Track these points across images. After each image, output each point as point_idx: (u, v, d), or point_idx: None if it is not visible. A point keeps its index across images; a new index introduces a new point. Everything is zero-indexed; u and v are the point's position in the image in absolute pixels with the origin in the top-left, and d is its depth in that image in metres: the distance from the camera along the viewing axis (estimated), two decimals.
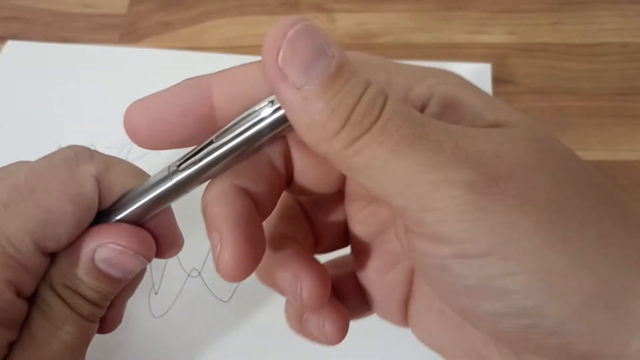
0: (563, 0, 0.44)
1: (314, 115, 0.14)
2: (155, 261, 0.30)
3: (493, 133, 0.15)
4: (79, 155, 0.19)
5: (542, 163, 0.15)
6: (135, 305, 0.29)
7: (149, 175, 0.20)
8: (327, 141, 0.14)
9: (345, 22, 0.42)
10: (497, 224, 0.14)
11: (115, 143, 0.36)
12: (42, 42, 0.41)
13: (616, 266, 0.14)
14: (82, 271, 0.19)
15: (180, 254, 0.29)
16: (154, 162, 0.34)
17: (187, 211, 0.32)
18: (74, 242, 0.19)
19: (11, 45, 0.41)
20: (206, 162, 0.16)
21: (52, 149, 0.34)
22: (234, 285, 0.30)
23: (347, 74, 0.14)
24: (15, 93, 0.38)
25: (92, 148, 0.28)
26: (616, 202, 0.15)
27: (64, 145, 0.34)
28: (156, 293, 0.29)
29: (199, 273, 0.30)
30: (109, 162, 0.20)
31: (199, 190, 0.29)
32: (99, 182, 0.19)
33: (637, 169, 0.34)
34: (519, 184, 0.14)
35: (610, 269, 0.14)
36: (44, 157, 0.19)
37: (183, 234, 0.28)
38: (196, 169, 0.17)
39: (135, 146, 0.34)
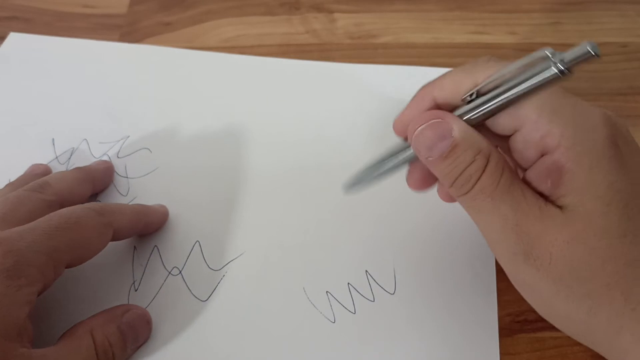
0: (563, 0, 0.44)
1: (436, 173, 0.24)
2: (138, 257, 0.30)
3: (546, 223, 0.21)
4: (104, 213, 0.27)
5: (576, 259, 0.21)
6: (114, 300, 0.29)
7: (145, 211, 0.31)
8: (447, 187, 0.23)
9: (345, 22, 0.42)
10: (517, 279, 0.23)
11: (108, 139, 0.35)
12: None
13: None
14: (114, 325, 0.26)
15: (162, 252, 0.31)
16: (145, 157, 0.35)
17: (183, 210, 0.32)
18: (110, 309, 0.27)
19: (13, 37, 0.41)
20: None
21: (46, 143, 0.35)
22: (212, 284, 0.30)
23: (458, 152, 0.22)
24: (11, 85, 0.38)
25: (85, 143, 0.35)
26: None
27: (57, 139, 0.36)
28: (136, 290, 0.29)
29: (180, 272, 0.30)
30: (120, 211, 0.28)
31: (178, 196, 0.33)
32: (113, 227, 0.27)
33: None
34: (545, 260, 0.21)
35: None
36: (82, 210, 0.27)
37: (168, 234, 0.32)
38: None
39: (128, 142, 0.36)
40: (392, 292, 0.29)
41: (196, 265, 0.30)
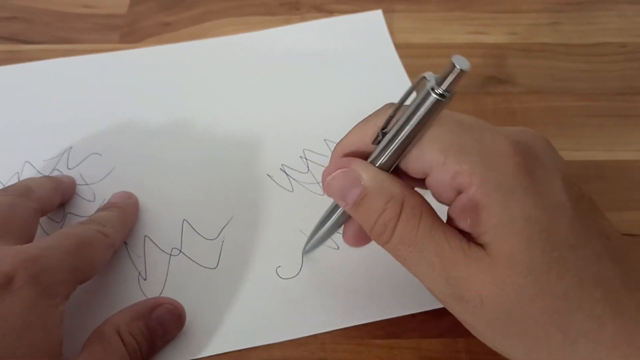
0: (563, 0, 0.44)
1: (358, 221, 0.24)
2: (133, 251, 0.31)
3: (472, 267, 0.21)
4: (108, 234, 0.28)
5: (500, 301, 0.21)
6: (128, 295, 0.29)
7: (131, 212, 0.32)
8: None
9: None
10: (458, 318, 0.23)
11: (50, 154, 0.35)
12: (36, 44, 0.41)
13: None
14: (142, 322, 0.26)
15: (154, 237, 0.31)
16: (97, 161, 0.35)
17: (157, 197, 0.33)
18: (139, 303, 0.27)
19: None
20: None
21: None
22: (216, 252, 0.31)
23: (369, 200, 0.22)
24: None
25: (29, 165, 0.35)
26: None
27: None
28: (145, 279, 0.30)
29: (180, 250, 0.31)
30: (115, 228, 0.29)
31: (146, 187, 0.34)
32: (115, 247, 0.29)
33: (637, 169, 0.34)
34: (476, 304, 0.21)
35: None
36: (85, 227, 0.27)
37: (155, 217, 0.32)
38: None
39: (72, 152, 0.35)
40: None
41: (193, 241, 0.31)
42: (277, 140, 0.35)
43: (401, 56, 0.40)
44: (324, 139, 0.35)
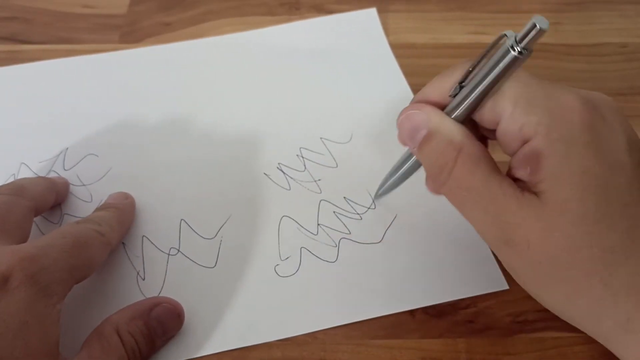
0: (563, 0, 0.44)
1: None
2: (131, 251, 0.31)
3: (524, 212, 0.22)
4: (104, 233, 0.27)
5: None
6: (127, 295, 0.29)
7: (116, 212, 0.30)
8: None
9: None
10: (503, 263, 0.24)
11: (46, 156, 0.35)
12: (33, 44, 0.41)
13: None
14: (141, 322, 0.26)
15: (152, 237, 0.31)
16: (94, 162, 0.35)
17: (154, 197, 0.33)
18: (138, 302, 0.27)
19: None
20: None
21: None
22: (214, 251, 0.31)
23: (431, 142, 0.23)
24: None
25: (25, 166, 0.35)
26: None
27: None
28: (143, 279, 0.30)
29: (178, 250, 0.31)
30: (111, 227, 0.28)
31: (143, 187, 0.34)
32: (111, 246, 0.28)
33: None
34: (523, 247, 0.22)
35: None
36: (82, 226, 0.27)
37: (152, 217, 0.32)
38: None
39: (69, 153, 0.35)
40: (374, 208, 0.32)
41: (191, 240, 0.31)
42: (274, 139, 0.35)
43: (401, 56, 0.40)
44: (320, 137, 0.35)
